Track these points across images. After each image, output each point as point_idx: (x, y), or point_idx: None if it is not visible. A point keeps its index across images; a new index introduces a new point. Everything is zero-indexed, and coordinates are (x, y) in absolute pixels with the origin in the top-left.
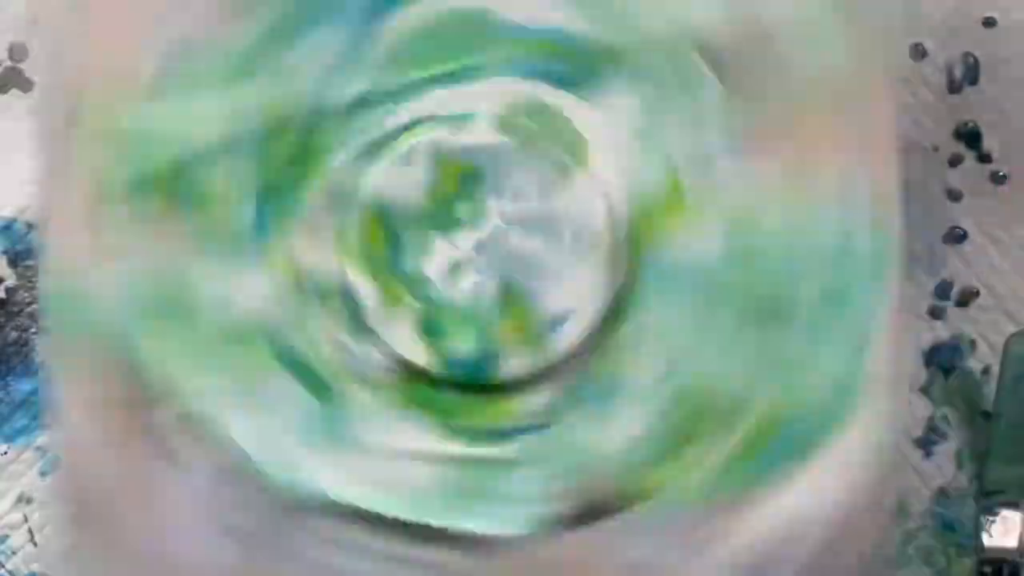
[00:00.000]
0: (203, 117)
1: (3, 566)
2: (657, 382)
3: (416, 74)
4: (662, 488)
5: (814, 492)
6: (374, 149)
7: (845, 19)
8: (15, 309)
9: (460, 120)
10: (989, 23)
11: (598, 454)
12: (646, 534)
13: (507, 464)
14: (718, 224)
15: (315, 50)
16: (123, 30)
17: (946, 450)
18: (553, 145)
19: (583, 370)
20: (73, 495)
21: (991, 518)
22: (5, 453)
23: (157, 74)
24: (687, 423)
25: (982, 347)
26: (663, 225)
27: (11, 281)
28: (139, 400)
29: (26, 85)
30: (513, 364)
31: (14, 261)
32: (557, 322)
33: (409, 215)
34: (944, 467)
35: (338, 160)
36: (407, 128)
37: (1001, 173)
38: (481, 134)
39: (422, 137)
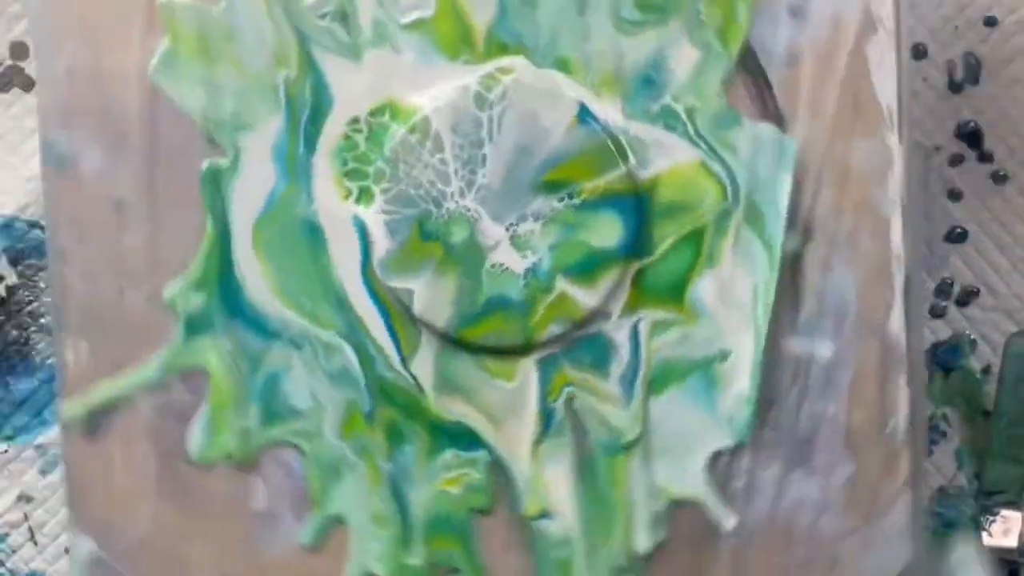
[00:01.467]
0: None
1: (3, 564)
2: None
3: None
4: None
5: None
6: None
7: None
8: (16, 308)
9: None
10: (990, 22)
11: None
12: None
13: None
14: None
15: None
16: None
17: (946, 449)
18: None
19: None
20: None
21: (991, 517)
22: (5, 451)
23: None
24: None
25: (983, 346)
26: None
27: (12, 279)
28: None
29: (27, 83)
30: None
31: (15, 260)
32: None
33: None
34: (944, 466)
35: None
36: None
37: (1002, 173)
38: None
39: None
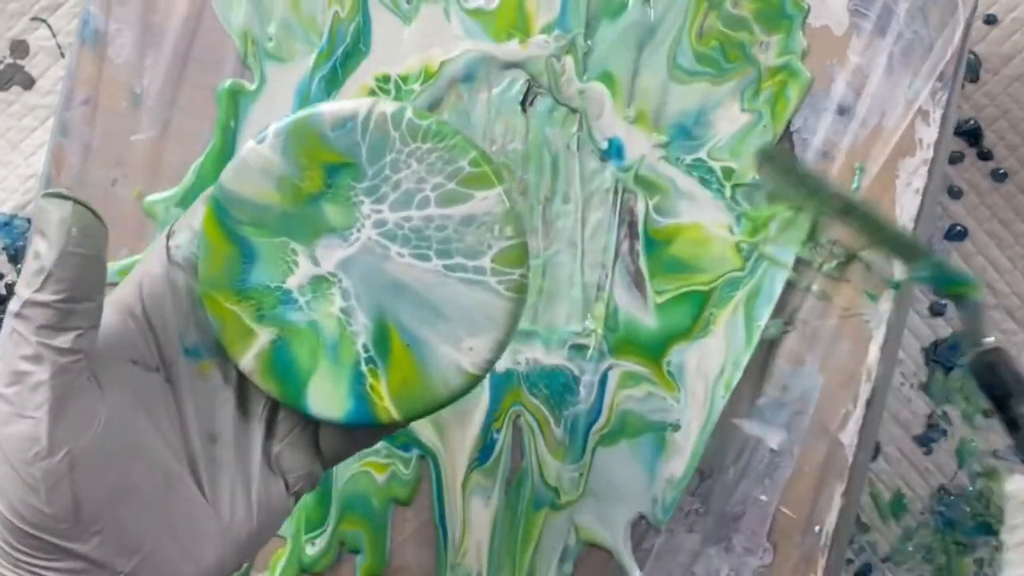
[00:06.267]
0: None
1: None
2: None
3: None
4: None
5: None
6: None
7: None
8: None
9: None
10: (990, 20)
11: None
12: None
13: None
14: None
15: None
16: None
17: (947, 447)
18: None
19: None
20: None
21: None
22: None
23: None
24: None
25: None
26: None
27: (12, 277)
28: None
29: (27, 81)
30: None
31: (15, 257)
32: None
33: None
34: (945, 465)
35: None
36: None
37: (1001, 171)
38: None
39: None
